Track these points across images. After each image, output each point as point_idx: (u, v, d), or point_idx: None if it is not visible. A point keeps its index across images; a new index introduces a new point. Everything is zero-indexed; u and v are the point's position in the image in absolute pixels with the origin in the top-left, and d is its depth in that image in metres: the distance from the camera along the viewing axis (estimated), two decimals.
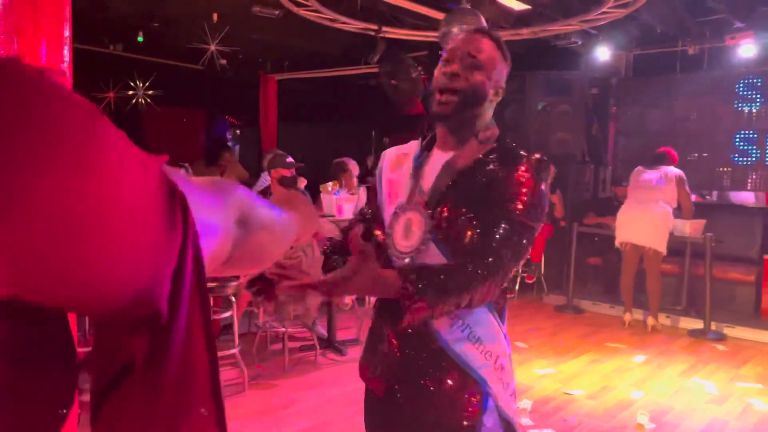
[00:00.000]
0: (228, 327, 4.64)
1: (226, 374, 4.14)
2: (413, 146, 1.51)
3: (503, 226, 1.26)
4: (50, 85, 0.35)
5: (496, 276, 1.24)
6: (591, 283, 6.92)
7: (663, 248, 5.55)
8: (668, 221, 5.54)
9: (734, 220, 6.36)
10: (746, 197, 7.37)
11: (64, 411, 0.43)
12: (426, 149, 1.46)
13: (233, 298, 3.94)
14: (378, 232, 1.49)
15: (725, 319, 5.72)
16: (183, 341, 0.45)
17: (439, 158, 1.41)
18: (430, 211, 1.34)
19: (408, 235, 1.36)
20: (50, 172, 0.34)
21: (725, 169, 7.06)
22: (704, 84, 6.95)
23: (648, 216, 5.55)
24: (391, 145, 1.66)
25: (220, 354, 3.76)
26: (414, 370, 1.36)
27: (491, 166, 1.33)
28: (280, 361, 4.41)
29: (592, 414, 3.72)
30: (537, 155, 1.33)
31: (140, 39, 6.68)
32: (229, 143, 11.44)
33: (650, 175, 5.64)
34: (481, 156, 1.36)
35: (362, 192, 6.10)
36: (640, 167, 5.79)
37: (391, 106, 7.32)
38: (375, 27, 5.94)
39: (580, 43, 6.69)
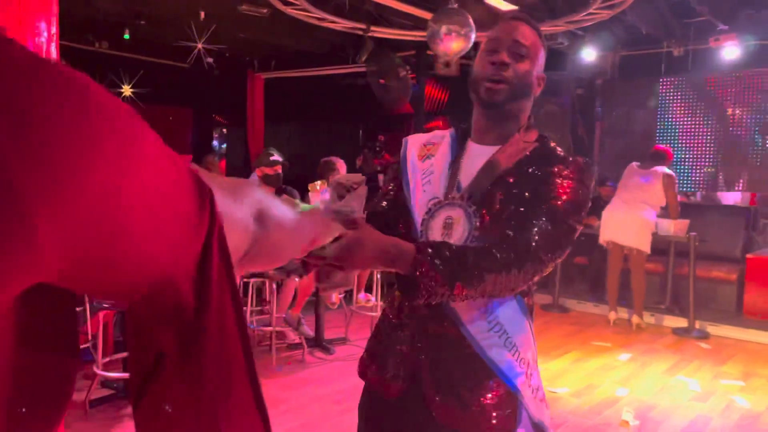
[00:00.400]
0: None
1: None
2: (440, 135, 1.44)
3: (542, 219, 1.20)
4: (96, 86, 0.38)
5: (524, 265, 1.16)
6: (576, 282, 6.97)
7: (646, 248, 5.61)
8: (650, 222, 5.60)
9: (717, 220, 6.44)
10: (732, 197, 7.47)
11: (63, 400, 0.45)
12: (460, 140, 1.39)
13: None
14: (402, 227, 1.38)
15: (708, 318, 5.79)
16: (217, 329, 0.47)
17: (476, 152, 1.35)
18: (475, 207, 1.27)
19: (448, 233, 1.29)
20: (99, 166, 0.36)
21: (709, 169, 7.15)
22: (689, 85, 7.04)
23: (631, 217, 5.60)
24: (386, 142, 1.62)
25: None
26: (445, 375, 1.28)
27: (534, 169, 1.28)
28: (268, 360, 4.41)
29: (577, 412, 3.76)
30: (581, 158, 1.29)
31: (126, 37, 6.63)
32: (215, 143, 11.39)
33: (640, 175, 5.68)
34: (523, 157, 1.30)
35: None
36: (633, 164, 5.80)
37: (378, 106, 7.33)
38: (363, 26, 5.94)
39: (566, 43, 6.74)
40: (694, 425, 3.61)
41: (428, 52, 6.39)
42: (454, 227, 1.28)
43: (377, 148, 8.44)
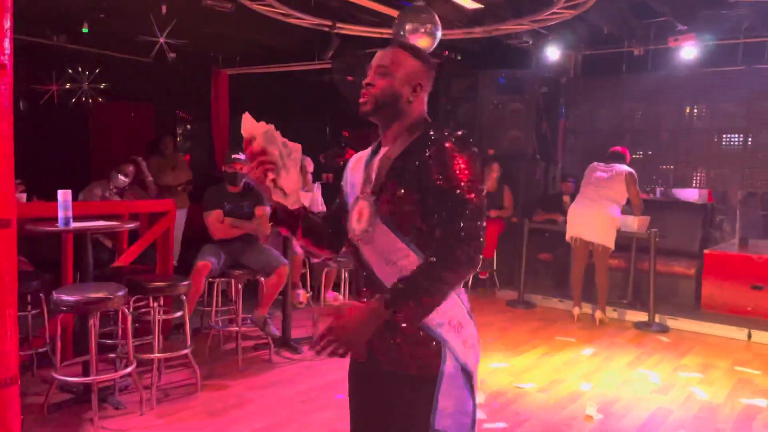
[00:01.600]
0: (179, 327, 4.55)
1: (178, 375, 4.06)
2: (369, 150, 1.73)
3: (449, 209, 1.44)
4: None
5: (458, 268, 1.43)
6: (542, 278, 7.07)
7: (611, 244, 5.73)
8: (616, 219, 5.73)
9: (676, 217, 6.60)
10: (690, 194, 7.67)
11: None
12: (376, 149, 1.69)
13: (184, 298, 3.86)
14: (342, 222, 1.72)
15: (668, 312, 5.94)
16: None
17: (383, 153, 1.64)
18: (374, 197, 1.56)
19: (359, 219, 1.59)
20: None
21: (668, 166, 7.32)
22: (649, 84, 7.19)
23: (596, 214, 5.72)
24: (351, 138, 1.82)
25: (172, 354, 3.60)
26: (389, 331, 1.54)
27: (418, 149, 1.53)
28: (234, 360, 4.35)
29: (543, 406, 3.80)
30: (459, 132, 1.52)
31: (85, 30, 6.44)
32: (178, 139, 11.17)
33: (602, 173, 5.81)
34: (409, 144, 1.57)
35: (317, 188, 6.06)
36: (594, 163, 5.95)
37: (345, 102, 7.29)
38: (329, 23, 5.89)
39: (531, 42, 6.80)
40: (655, 417, 3.69)
41: None
42: (362, 215, 1.58)
43: (342, 144, 8.40)
